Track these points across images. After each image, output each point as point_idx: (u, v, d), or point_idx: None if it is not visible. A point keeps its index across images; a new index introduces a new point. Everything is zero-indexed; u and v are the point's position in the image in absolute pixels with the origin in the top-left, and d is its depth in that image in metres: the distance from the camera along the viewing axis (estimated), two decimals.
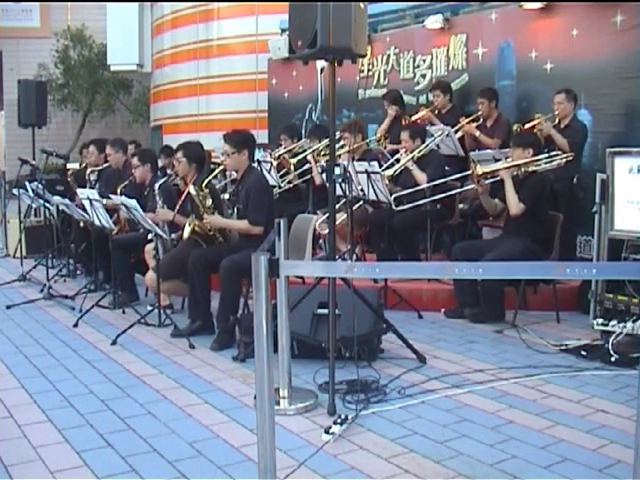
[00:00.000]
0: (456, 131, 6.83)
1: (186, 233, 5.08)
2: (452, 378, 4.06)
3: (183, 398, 3.78)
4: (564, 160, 5.47)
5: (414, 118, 7.10)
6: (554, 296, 5.35)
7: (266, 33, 11.04)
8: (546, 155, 5.40)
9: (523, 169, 5.28)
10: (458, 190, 6.05)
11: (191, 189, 5.04)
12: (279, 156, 7.23)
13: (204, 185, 5.04)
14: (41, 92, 8.64)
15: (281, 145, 7.54)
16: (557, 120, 6.08)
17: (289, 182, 7.18)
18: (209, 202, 5.03)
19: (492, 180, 5.53)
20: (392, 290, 5.62)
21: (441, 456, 3.05)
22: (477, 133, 6.72)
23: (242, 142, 5.01)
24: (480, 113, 6.80)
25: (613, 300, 4.68)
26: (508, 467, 2.94)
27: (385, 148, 7.22)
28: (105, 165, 6.87)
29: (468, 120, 6.79)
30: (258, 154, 7.42)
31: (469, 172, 5.55)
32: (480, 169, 5.33)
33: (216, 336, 4.79)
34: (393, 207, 5.87)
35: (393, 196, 5.91)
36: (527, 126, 6.10)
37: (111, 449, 3.14)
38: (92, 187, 6.68)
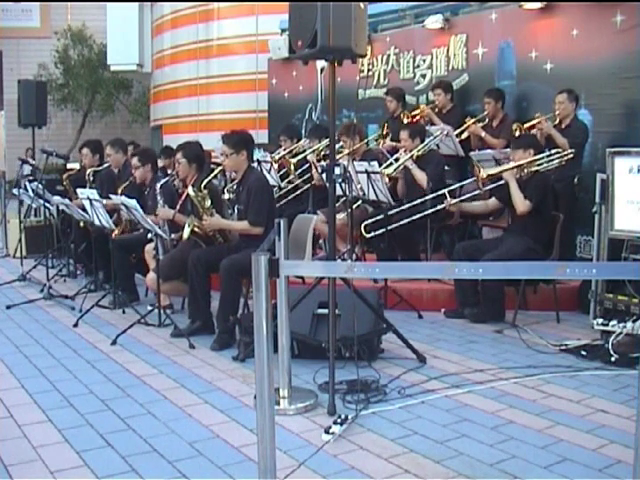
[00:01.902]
0: (462, 132, 6.83)
1: (185, 234, 5.08)
2: (452, 378, 4.06)
3: (183, 398, 3.78)
4: (565, 158, 5.47)
5: (414, 114, 7.12)
6: (554, 296, 5.35)
7: (266, 33, 11.05)
8: (547, 154, 5.41)
9: (526, 170, 5.29)
10: (462, 198, 6.00)
11: (190, 191, 5.04)
12: (279, 159, 7.23)
13: (203, 186, 5.03)
14: (41, 92, 8.63)
15: (281, 146, 7.54)
16: (558, 120, 6.08)
17: (289, 182, 7.18)
18: (208, 203, 5.02)
19: (497, 184, 5.52)
20: (392, 290, 5.62)
21: (441, 456, 3.05)
22: (483, 133, 6.72)
23: (240, 143, 5.00)
24: (486, 113, 6.80)
25: (613, 300, 4.69)
26: (508, 467, 2.94)
27: (382, 145, 7.20)
28: (104, 166, 6.87)
29: (474, 120, 6.79)
30: (258, 154, 7.42)
31: (473, 178, 5.55)
32: (484, 172, 5.34)
33: (216, 336, 4.79)
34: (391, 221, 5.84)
35: (395, 210, 5.89)
36: (527, 125, 6.10)
37: (111, 449, 3.14)
38: (91, 188, 6.68)
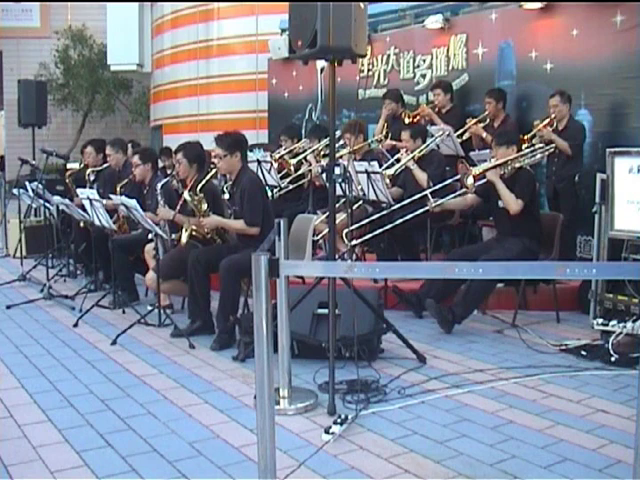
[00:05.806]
0: (463, 133, 6.82)
1: (184, 238, 5.09)
2: (452, 378, 4.06)
3: (183, 398, 3.78)
4: (547, 152, 5.57)
5: (415, 113, 7.12)
6: (554, 296, 5.35)
7: (266, 33, 11.04)
8: (530, 149, 5.42)
9: (510, 167, 5.25)
10: (459, 192, 5.98)
11: (186, 195, 5.05)
12: (279, 157, 7.23)
13: (198, 189, 5.03)
14: (41, 92, 8.65)
15: (281, 146, 7.54)
16: (555, 124, 6.07)
17: (290, 182, 7.18)
18: (204, 206, 5.03)
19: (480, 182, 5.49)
20: (392, 290, 5.61)
21: (441, 456, 3.05)
22: (484, 134, 6.71)
23: (233, 144, 4.98)
24: (487, 113, 6.79)
25: (613, 300, 4.68)
26: (508, 467, 2.94)
27: (383, 143, 7.19)
28: (105, 166, 6.87)
29: (475, 121, 6.78)
30: (258, 154, 7.42)
31: (461, 174, 5.49)
32: (474, 170, 5.30)
33: (216, 336, 4.79)
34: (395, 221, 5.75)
35: (397, 205, 5.85)
36: (528, 136, 6.05)
37: (111, 449, 3.14)
38: (91, 187, 6.68)
